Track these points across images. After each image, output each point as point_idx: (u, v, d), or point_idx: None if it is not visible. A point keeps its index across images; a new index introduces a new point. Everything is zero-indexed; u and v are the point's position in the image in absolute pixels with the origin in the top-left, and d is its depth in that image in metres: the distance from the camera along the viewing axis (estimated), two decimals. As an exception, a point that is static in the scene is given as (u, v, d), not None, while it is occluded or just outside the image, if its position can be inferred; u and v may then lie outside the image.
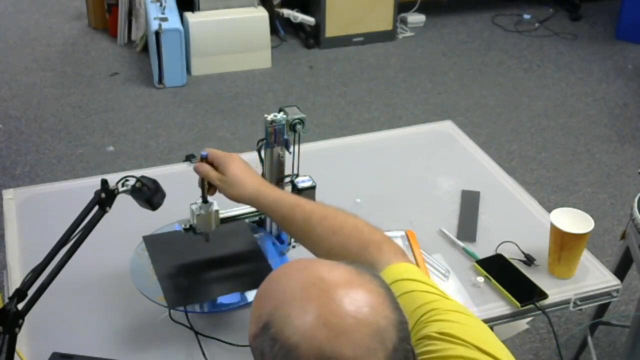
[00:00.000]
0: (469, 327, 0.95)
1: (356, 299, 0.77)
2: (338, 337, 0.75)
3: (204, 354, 1.25)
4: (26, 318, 1.07)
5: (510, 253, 1.50)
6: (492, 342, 0.93)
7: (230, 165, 1.25)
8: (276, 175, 1.43)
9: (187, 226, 1.35)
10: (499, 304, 1.39)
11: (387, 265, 1.06)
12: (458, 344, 0.91)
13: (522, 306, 1.37)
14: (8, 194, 1.65)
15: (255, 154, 1.42)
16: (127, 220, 1.39)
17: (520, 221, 1.63)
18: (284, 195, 1.23)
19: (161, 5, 3.93)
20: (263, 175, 1.43)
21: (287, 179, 1.44)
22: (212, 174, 1.26)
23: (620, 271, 1.92)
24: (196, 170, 1.29)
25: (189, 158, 1.77)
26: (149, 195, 1.26)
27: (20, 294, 1.07)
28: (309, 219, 1.16)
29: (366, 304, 0.78)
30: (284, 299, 0.79)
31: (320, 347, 0.74)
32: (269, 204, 1.21)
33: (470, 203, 1.66)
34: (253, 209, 1.39)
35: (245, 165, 1.27)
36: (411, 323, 0.95)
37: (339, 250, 1.12)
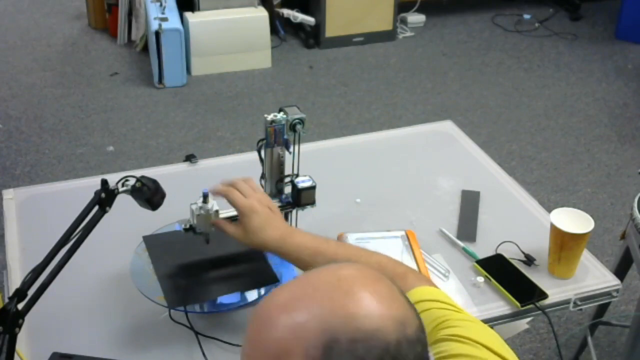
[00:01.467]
0: (479, 331, 0.96)
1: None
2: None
3: (204, 354, 1.25)
4: (26, 318, 1.07)
5: (510, 253, 1.50)
6: (503, 347, 0.94)
7: (252, 218, 1.23)
8: (276, 175, 1.43)
9: (187, 226, 1.34)
10: (499, 304, 1.39)
11: (411, 289, 1.07)
12: (467, 344, 0.91)
13: (522, 306, 1.37)
14: (8, 194, 1.65)
15: (255, 154, 1.42)
16: (127, 220, 1.39)
17: (520, 221, 1.63)
18: (305, 242, 1.21)
19: (161, 5, 3.93)
20: (263, 175, 1.43)
21: (287, 179, 1.44)
22: (230, 229, 1.26)
23: (620, 271, 1.92)
24: (214, 224, 1.29)
25: (189, 158, 1.77)
26: (149, 195, 1.26)
27: (20, 294, 1.07)
28: None
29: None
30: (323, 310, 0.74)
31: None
32: (290, 253, 1.21)
33: (470, 203, 1.66)
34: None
35: (267, 214, 1.24)
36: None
37: None
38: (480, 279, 1.43)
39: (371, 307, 0.73)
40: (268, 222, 1.24)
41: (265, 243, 1.23)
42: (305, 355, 0.71)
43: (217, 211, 1.32)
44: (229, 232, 1.26)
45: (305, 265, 1.20)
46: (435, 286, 1.11)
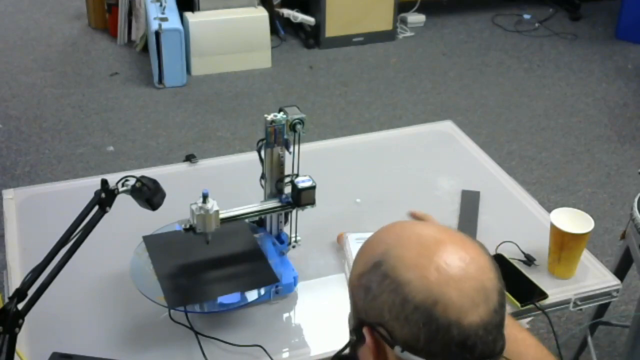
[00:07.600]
0: None
1: (467, 256, 0.81)
2: (447, 282, 0.78)
3: (204, 354, 1.25)
4: (26, 318, 1.07)
5: (510, 253, 1.50)
6: None
7: None
8: (276, 175, 1.43)
9: (187, 226, 1.34)
10: (499, 304, 1.39)
11: None
12: None
13: (522, 306, 1.37)
14: (8, 194, 1.65)
15: (255, 154, 1.42)
16: (127, 220, 1.40)
17: (520, 221, 1.63)
18: None
19: (161, 5, 3.93)
20: (263, 175, 1.43)
21: (287, 179, 1.44)
22: None
23: (620, 271, 1.92)
24: None
25: (189, 158, 1.77)
26: (149, 195, 1.26)
27: (20, 294, 1.07)
28: None
29: (476, 263, 0.82)
30: (398, 242, 0.83)
31: (430, 287, 0.78)
32: None
33: (470, 203, 1.66)
34: (253, 210, 1.39)
35: None
36: None
37: None
38: (480, 279, 1.43)
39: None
40: None
41: None
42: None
43: (217, 211, 1.32)
44: None
45: None
46: None
